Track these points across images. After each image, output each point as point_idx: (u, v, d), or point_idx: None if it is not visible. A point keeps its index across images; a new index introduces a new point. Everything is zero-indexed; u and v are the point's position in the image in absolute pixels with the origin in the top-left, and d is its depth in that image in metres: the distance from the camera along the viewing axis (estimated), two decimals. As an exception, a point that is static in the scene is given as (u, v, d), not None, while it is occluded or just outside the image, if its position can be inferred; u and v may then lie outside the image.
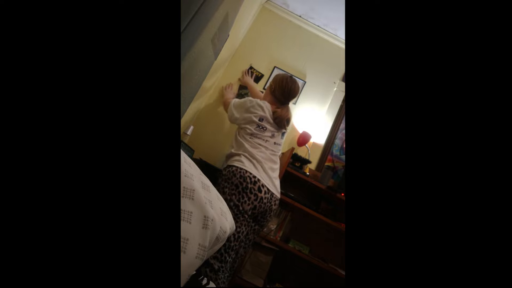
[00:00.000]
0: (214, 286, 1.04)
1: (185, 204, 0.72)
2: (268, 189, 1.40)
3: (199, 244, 0.70)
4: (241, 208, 1.32)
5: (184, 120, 1.95)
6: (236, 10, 1.51)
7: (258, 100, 1.57)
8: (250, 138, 1.48)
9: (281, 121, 1.53)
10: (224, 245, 1.26)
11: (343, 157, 2.30)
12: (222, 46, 1.62)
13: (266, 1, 2.54)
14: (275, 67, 2.47)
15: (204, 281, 1.02)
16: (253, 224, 1.42)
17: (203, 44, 1.16)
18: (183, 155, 0.84)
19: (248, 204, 1.33)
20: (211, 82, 2.25)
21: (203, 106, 2.37)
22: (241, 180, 1.35)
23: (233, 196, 1.33)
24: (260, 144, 1.47)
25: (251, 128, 1.49)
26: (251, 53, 2.50)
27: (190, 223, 0.70)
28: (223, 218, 0.84)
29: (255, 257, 1.84)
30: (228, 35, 1.68)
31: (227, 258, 1.30)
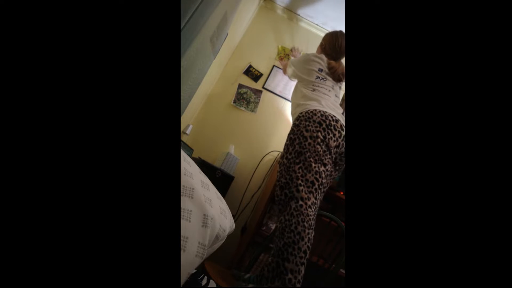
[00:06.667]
0: (215, 285, 1.04)
1: (185, 203, 0.72)
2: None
3: (199, 243, 0.70)
4: (328, 144, 1.26)
5: (183, 119, 1.94)
6: (234, 9, 1.51)
7: (315, 53, 1.62)
8: (312, 89, 1.47)
9: (335, 73, 1.52)
10: (313, 183, 1.22)
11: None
12: (221, 45, 1.62)
13: (264, 0, 2.54)
14: (274, 66, 2.47)
15: (204, 281, 1.02)
16: (331, 167, 1.36)
17: (202, 43, 1.15)
18: (183, 154, 0.84)
19: (334, 141, 1.28)
20: (210, 81, 2.25)
21: (202, 105, 2.36)
22: (323, 118, 1.29)
23: (319, 133, 1.26)
24: (324, 94, 1.46)
25: (312, 79, 1.50)
26: (250, 52, 2.49)
27: (189, 221, 0.70)
28: (222, 217, 0.84)
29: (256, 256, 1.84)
30: (227, 34, 1.67)
31: (319, 195, 1.25)
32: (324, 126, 1.27)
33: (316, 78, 1.50)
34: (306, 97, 1.44)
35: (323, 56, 1.58)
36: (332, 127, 1.29)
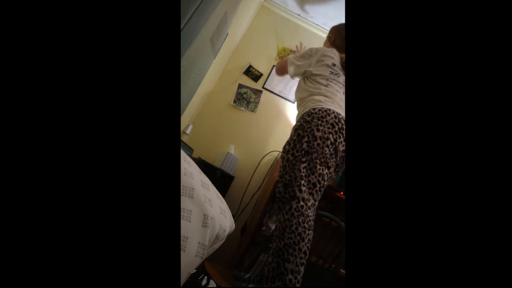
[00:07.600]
0: (215, 285, 1.04)
1: (185, 203, 0.72)
2: None
3: (199, 243, 0.70)
4: (337, 148, 1.23)
5: (183, 119, 1.94)
6: (234, 9, 1.51)
7: (325, 47, 1.53)
8: (326, 84, 1.39)
9: None
10: (315, 184, 1.20)
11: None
12: (221, 45, 1.62)
13: (264, 0, 2.54)
14: (274, 66, 2.47)
15: (204, 281, 1.02)
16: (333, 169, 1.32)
17: (202, 43, 1.15)
18: (183, 154, 0.84)
19: (343, 146, 1.25)
20: (210, 81, 2.25)
21: (202, 105, 2.37)
22: (336, 120, 1.24)
23: (330, 135, 1.22)
24: (337, 90, 1.38)
25: (326, 73, 1.41)
26: (250, 52, 2.49)
27: (189, 221, 0.70)
28: (222, 217, 0.84)
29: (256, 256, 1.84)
30: (227, 34, 1.67)
31: (318, 197, 1.23)
32: (336, 128, 1.24)
33: (330, 73, 1.42)
34: (318, 92, 1.36)
35: (335, 50, 1.50)
36: (343, 131, 1.25)
